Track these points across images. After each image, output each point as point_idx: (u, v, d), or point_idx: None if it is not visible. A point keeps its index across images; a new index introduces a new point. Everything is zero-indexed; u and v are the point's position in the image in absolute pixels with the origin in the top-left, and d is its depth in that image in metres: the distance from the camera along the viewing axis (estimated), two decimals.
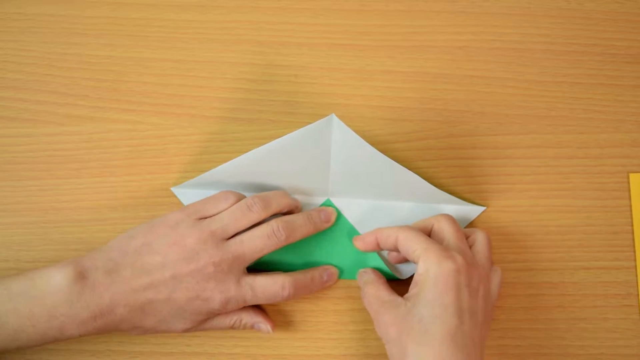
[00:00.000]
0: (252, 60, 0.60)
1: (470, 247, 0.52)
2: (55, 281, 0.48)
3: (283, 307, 0.56)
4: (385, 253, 0.56)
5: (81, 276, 0.48)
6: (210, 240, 0.50)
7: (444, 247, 0.49)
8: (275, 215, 0.54)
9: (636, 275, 0.57)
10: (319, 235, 0.56)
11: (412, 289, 0.49)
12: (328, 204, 0.56)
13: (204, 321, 0.52)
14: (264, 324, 0.53)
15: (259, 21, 0.61)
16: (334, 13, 0.61)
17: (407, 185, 0.55)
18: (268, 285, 0.52)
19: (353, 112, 0.59)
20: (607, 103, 0.60)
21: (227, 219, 0.51)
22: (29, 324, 0.47)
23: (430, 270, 0.48)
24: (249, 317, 0.53)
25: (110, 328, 0.49)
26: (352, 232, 0.56)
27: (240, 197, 0.53)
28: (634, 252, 0.57)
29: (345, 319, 0.56)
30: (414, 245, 0.49)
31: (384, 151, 0.53)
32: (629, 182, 0.58)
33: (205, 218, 0.52)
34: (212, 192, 0.56)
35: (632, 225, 0.58)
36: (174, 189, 0.57)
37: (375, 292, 0.51)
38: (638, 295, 0.57)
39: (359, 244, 0.54)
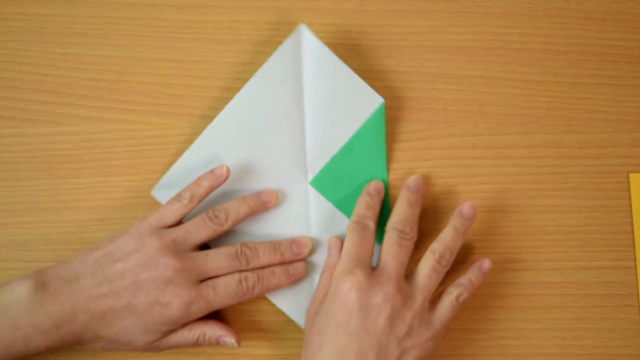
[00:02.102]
0: (252, 60, 0.60)
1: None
2: (17, 293, 0.49)
3: None
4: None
5: (42, 286, 0.49)
6: (172, 247, 0.51)
7: (353, 262, 0.51)
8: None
9: (636, 275, 0.57)
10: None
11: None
12: (308, 185, 0.56)
13: (167, 333, 0.51)
14: (228, 338, 0.53)
15: (259, 21, 0.61)
16: (334, 13, 0.61)
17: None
18: (229, 281, 0.52)
19: None
20: (607, 103, 0.60)
21: (189, 228, 0.52)
22: None
23: (333, 284, 0.51)
24: (212, 331, 0.53)
25: (75, 337, 0.50)
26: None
27: (193, 199, 0.53)
28: (634, 252, 0.57)
29: None
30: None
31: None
32: (629, 182, 0.58)
33: (169, 227, 0.52)
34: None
35: (632, 225, 0.58)
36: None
37: (328, 278, 0.53)
38: (638, 295, 0.57)
39: None
